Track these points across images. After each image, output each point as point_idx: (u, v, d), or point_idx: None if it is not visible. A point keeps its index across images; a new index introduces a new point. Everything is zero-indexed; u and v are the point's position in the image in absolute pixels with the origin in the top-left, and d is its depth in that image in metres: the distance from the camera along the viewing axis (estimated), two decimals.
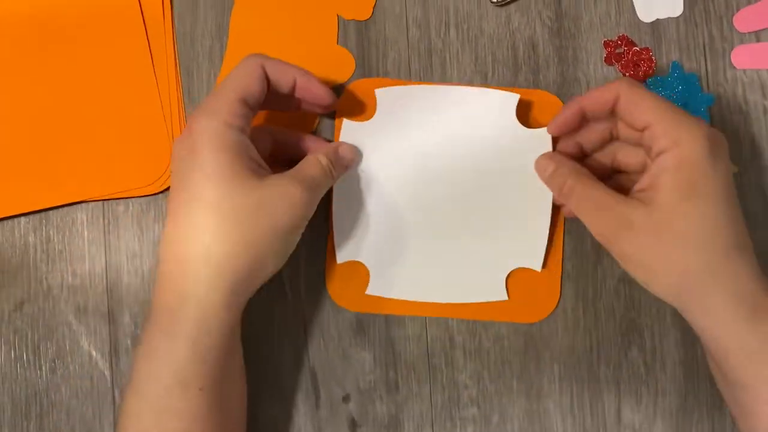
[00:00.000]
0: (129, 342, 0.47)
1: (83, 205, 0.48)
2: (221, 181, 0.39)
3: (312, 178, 0.42)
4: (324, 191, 0.43)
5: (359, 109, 0.48)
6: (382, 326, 0.48)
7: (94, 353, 0.47)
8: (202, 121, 0.39)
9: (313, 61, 0.48)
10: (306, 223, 0.42)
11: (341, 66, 0.48)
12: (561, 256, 0.47)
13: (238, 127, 0.40)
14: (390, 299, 0.47)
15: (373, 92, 0.47)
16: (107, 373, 0.47)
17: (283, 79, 0.43)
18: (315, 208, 0.42)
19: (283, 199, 0.40)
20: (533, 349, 0.47)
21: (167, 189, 0.48)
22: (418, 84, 0.48)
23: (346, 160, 0.46)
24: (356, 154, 0.47)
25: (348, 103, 0.48)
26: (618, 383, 0.47)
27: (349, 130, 0.47)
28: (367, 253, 0.47)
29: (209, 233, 0.38)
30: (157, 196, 0.48)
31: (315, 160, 0.43)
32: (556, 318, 0.47)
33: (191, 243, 0.39)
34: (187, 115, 0.48)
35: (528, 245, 0.47)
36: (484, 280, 0.47)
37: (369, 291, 0.47)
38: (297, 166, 0.42)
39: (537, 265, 0.47)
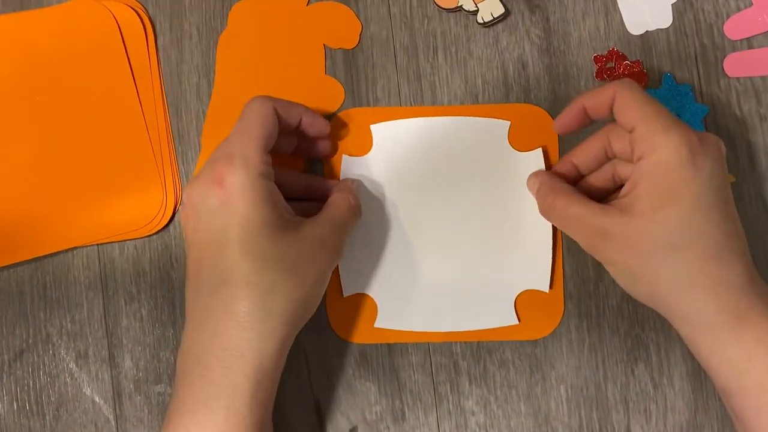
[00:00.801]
0: (131, 386, 0.47)
1: (78, 250, 0.48)
2: (265, 235, 0.38)
3: (343, 221, 0.42)
4: (353, 230, 0.44)
5: (353, 140, 0.48)
6: (385, 355, 0.47)
7: (97, 399, 0.47)
8: (236, 173, 0.38)
9: (302, 92, 0.47)
10: None
11: (331, 95, 0.48)
12: (562, 272, 0.47)
13: (269, 176, 0.39)
14: (397, 330, 0.47)
15: (364, 120, 0.47)
16: (111, 417, 0.47)
17: (291, 118, 0.43)
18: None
19: (324, 246, 0.40)
20: (539, 372, 0.47)
21: (162, 230, 0.47)
22: (411, 118, 0.48)
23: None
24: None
25: (340, 134, 0.48)
26: (626, 401, 0.47)
27: (348, 165, 0.47)
28: (374, 286, 0.47)
29: (261, 287, 0.38)
30: (151, 237, 0.48)
31: (343, 201, 0.43)
32: (561, 338, 0.47)
33: (227, 298, 0.38)
34: (177, 152, 0.48)
35: (534, 267, 0.47)
36: (494, 306, 0.47)
37: (378, 324, 0.47)
38: (326, 210, 0.42)
39: (544, 286, 0.47)
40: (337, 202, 0.43)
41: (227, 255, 0.38)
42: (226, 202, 0.38)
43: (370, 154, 0.48)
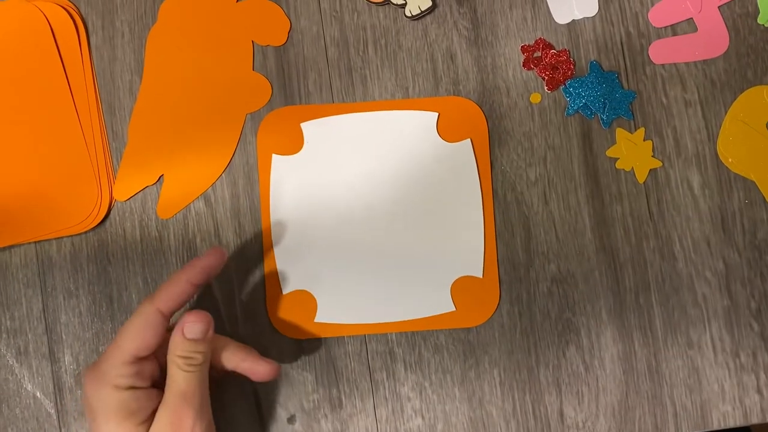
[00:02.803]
0: (72, 380, 0.48)
1: (15, 248, 0.48)
2: None
3: (186, 390, 0.41)
4: (206, 368, 0.43)
5: (284, 139, 0.48)
6: (321, 346, 0.48)
7: (38, 394, 0.48)
8: (91, 388, 0.41)
9: (228, 88, 0.48)
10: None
11: (257, 92, 0.48)
12: (496, 258, 0.48)
13: (125, 387, 0.41)
14: (337, 323, 0.48)
15: (294, 119, 0.48)
16: (53, 412, 0.48)
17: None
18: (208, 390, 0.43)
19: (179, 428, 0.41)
20: (472, 357, 0.48)
21: (98, 226, 0.48)
22: (342, 114, 0.48)
23: (192, 319, 0.42)
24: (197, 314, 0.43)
25: (271, 134, 0.48)
26: (558, 384, 0.47)
27: (279, 164, 0.48)
28: (312, 282, 0.48)
29: None
30: (88, 233, 0.48)
31: (173, 367, 0.42)
32: (493, 324, 0.48)
33: None
34: (111, 149, 0.49)
35: (467, 253, 0.48)
36: (431, 294, 0.48)
37: (318, 318, 0.48)
38: (167, 387, 0.42)
39: (478, 271, 0.48)
40: (169, 371, 0.42)
41: None
42: (90, 410, 0.41)
43: (301, 152, 0.48)
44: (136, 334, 0.41)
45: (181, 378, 0.41)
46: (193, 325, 0.41)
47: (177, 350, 0.41)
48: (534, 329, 0.48)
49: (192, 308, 0.48)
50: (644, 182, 0.48)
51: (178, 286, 0.42)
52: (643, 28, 0.49)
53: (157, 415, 0.41)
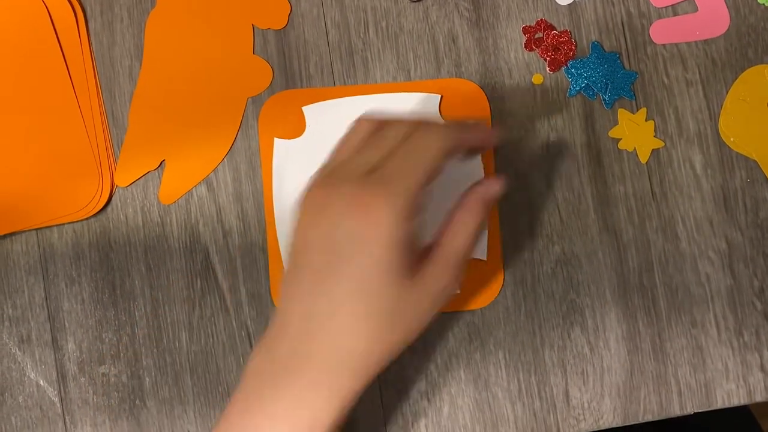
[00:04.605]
0: (75, 368, 0.47)
1: (17, 235, 0.48)
2: (386, 283, 0.36)
3: (458, 259, 0.39)
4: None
5: (285, 123, 0.48)
6: None
7: (41, 382, 0.48)
8: (384, 210, 0.35)
9: (229, 72, 0.48)
10: None
11: (258, 76, 0.48)
12: (500, 241, 0.48)
13: (415, 216, 0.37)
14: None
15: (296, 103, 0.48)
16: (56, 400, 0.47)
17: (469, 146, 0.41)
18: None
19: (434, 297, 0.38)
20: (477, 339, 0.48)
21: (100, 212, 0.48)
22: (344, 97, 0.48)
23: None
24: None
25: (273, 118, 0.48)
26: (563, 365, 0.48)
27: (281, 148, 0.47)
28: None
29: (359, 331, 0.37)
30: (89, 220, 0.48)
31: (462, 234, 0.39)
32: (498, 306, 0.48)
33: (335, 331, 0.37)
34: (112, 135, 0.48)
35: None
36: None
37: None
38: (440, 249, 0.39)
39: (482, 254, 0.47)
40: (455, 234, 0.39)
41: (340, 284, 0.36)
42: (361, 235, 0.36)
43: (303, 136, 0.48)
44: (431, 166, 0.37)
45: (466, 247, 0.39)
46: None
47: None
48: (539, 311, 0.48)
49: (189, 284, 0.48)
50: (647, 162, 0.48)
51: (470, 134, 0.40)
52: (643, 8, 0.49)
53: (431, 271, 0.38)
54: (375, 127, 0.40)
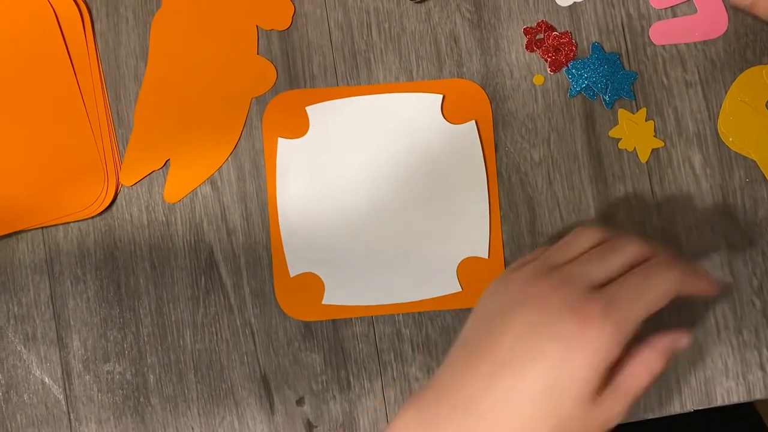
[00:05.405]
0: (80, 366, 0.48)
1: (22, 234, 0.48)
2: (577, 399, 0.35)
3: (637, 396, 0.37)
4: None
5: (289, 123, 0.49)
6: (329, 327, 0.48)
7: (46, 380, 0.48)
8: (607, 330, 0.35)
9: (233, 72, 0.48)
10: None
11: (262, 76, 0.49)
12: (501, 239, 0.48)
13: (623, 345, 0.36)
14: (344, 305, 0.48)
15: (299, 103, 0.48)
16: (61, 397, 0.48)
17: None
18: None
19: (604, 424, 0.36)
20: None
21: (105, 211, 0.48)
22: (347, 97, 0.49)
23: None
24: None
25: (276, 118, 0.49)
26: None
27: (284, 148, 0.48)
28: (319, 264, 0.48)
29: None
30: (94, 219, 0.48)
31: (645, 372, 0.37)
32: None
33: (500, 423, 0.35)
34: (117, 135, 0.49)
35: (472, 234, 0.48)
36: (438, 276, 0.48)
37: (326, 301, 0.48)
38: (623, 379, 0.36)
39: (483, 252, 0.48)
40: (642, 369, 0.37)
41: (525, 380, 0.35)
42: (570, 341, 0.35)
43: (307, 135, 0.49)
44: (661, 301, 0.36)
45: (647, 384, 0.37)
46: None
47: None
48: None
49: (194, 282, 0.48)
50: (646, 162, 0.49)
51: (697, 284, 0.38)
52: (643, 9, 0.50)
53: (609, 402, 0.36)
54: (599, 240, 0.40)
